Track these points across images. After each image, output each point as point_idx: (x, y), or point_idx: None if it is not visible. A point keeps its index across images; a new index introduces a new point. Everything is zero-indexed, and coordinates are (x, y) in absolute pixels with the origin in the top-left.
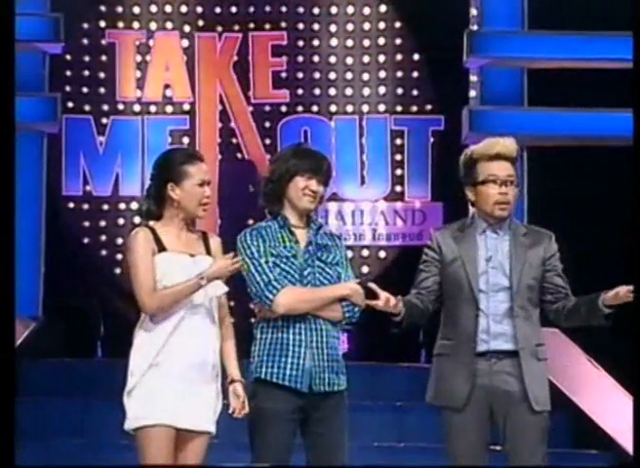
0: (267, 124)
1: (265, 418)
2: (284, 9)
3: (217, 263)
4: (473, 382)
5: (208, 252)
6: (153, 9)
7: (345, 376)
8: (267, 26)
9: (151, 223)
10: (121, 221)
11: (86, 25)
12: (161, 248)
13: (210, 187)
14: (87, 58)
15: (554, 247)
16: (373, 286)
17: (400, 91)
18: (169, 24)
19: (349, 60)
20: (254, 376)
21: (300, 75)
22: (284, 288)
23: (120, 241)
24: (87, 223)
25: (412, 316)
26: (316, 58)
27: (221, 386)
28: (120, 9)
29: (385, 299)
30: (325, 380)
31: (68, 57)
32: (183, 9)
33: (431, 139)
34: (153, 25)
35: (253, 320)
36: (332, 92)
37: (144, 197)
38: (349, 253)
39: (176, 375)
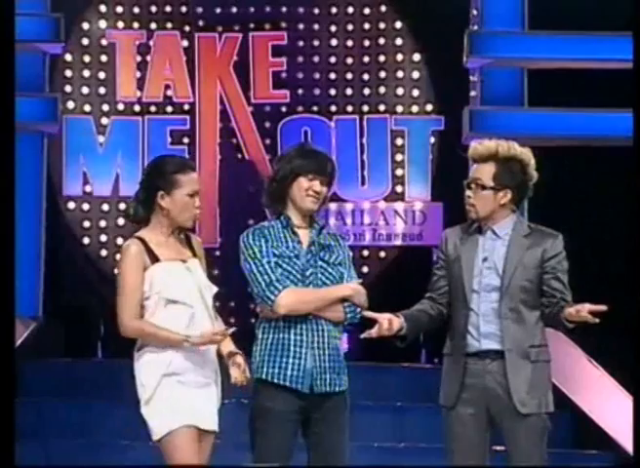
0: (267, 124)
1: (266, 418)
2: (284, 9)
3: (204, 334)
4: (463, 381)
5: (193, 253)
6: (153, 9)
7: (347, 377)
8: (267, 26)
9: (141, 233)
10: (121, 221)
11: (86, 25)
12: (154, 258)
13: (203, 191)
14: (87, 59)
15: (558, 248)
16: (368, 314)
17: (400, 91)
18: (169, 24)
19: (349, 61)
20: (255, 376)
21: (301, 75)
22: (285, 288)
23: (120, 241)
24: (87, 223)
25: (418, 326)
26: (316, 59)
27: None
28: (120, 9)
29: (379, 325)
30: (326, 381)
31: (69, 57)
32: (183, 9)
33: (432, 140)
34: (153, 25)
35: (254, 320)
36: (332, 92)
37: (133, 201)
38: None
39: (187, 381)
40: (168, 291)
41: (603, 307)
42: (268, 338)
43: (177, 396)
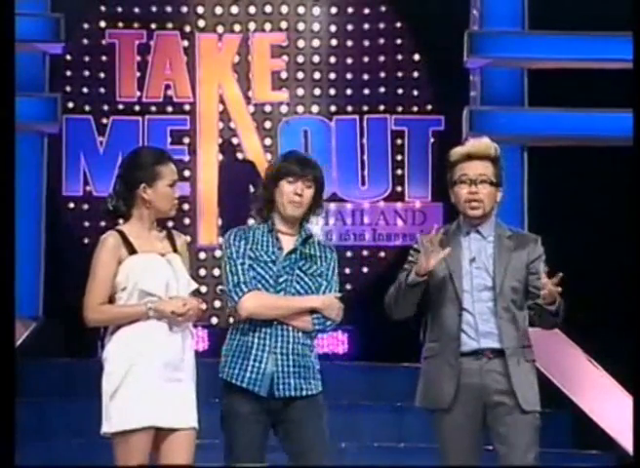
0: (268, 124)
1: (232, 419)
2: (284, 9)
3: (172, 302)
4: (459, 382)
5: (174, 250)
6: (153, 9)
7: (319, 381)
8: (268, 27)
9: (120, 227)
10: (121, 221)
11: (86, 25)
12: (132, 250)
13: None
14: (87, 59)
15: (539, 250)
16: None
17: (400, 91)
18: (169, 24)
19: (349, 61)
20: (219, 376)
21: (301, 75)
22: (251, 292)
23: None
24: (87, 223)
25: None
26: (316, 59)
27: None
28: (120, 9)
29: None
30: (290, 385)
31: (69, 57)
32: (184, 9)
33: (432, 140)
34: (153, 25)
35: None
36: (332, 92)
37: (111, 195)
38: (349, 254)
39: (156, 375)
40: (144, 282)
41: (559, 274)
42: (234, 340)
43: (142, 392)
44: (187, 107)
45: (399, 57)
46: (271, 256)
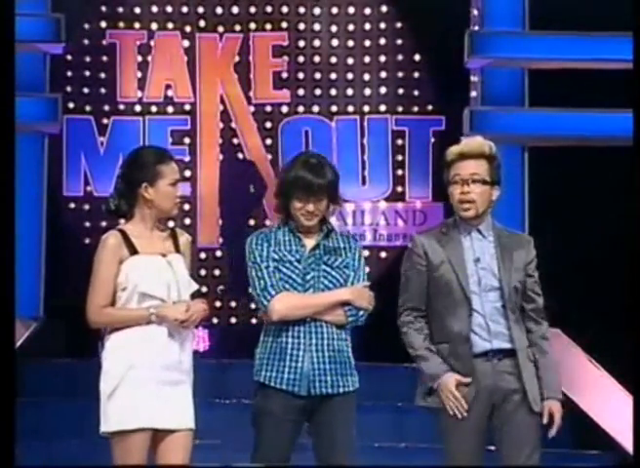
0: (268, 124)
1: (264, 419)
2: (285, 9)
3: (174, 308)
4: (477, 383)
5: (177, 249)
6: (154, 9)
7: (355, 377)
8: (268, 27)
9: (122, 226)
10: (122, 221)
11: (87, 26)
12: (133, 251)
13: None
14: (88, 59)
15: (533, 252)
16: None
17: (401, 91)
18: (170, 25)
19: (350, 61)
20: (255, 379)
21: (301, 75)
22: (279, 294)
23: None
24: (88, 224)
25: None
26: (317, 59)
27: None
28: (121, 9)
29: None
30: (327, 383)
31: (69, 57)
32: (184, 9)
33: (432, 140)
34: (154, 26)
35: (255, 320)
36: (333, 92)
37: (113, 195)
38: None
39: (154, 376)
40: (143, 284)
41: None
42: (268, 341)
43: (140, 393)
44: (188, 107)
45: (400, 57)
46: (295, 255)
